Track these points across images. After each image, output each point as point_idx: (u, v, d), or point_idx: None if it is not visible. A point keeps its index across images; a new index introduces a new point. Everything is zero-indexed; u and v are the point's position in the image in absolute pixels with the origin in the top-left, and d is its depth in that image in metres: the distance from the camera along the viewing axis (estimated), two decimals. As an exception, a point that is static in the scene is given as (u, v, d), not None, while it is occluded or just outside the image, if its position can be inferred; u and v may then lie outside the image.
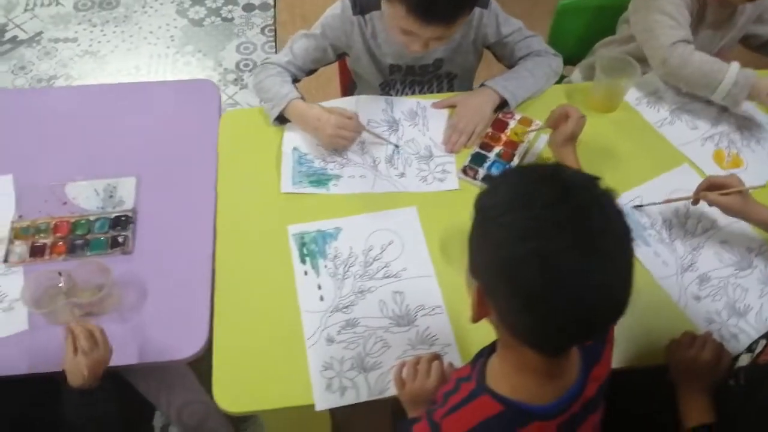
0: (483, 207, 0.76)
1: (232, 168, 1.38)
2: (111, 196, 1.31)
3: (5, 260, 1.21)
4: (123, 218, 1.27)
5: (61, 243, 1.24)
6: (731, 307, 1.20)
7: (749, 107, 1.51)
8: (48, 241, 1.24)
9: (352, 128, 1.35)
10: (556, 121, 1.30)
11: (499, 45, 1.53)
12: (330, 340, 1.15)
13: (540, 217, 0.68)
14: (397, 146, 1.42)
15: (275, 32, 2.77)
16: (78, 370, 1.01)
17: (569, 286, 0.67)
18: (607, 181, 1.32)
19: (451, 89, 1.64)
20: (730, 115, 1.50)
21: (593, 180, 0.73)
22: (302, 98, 1.40)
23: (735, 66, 1.38)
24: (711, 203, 1.21)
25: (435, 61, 1.54)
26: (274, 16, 2.83)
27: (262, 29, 2.78)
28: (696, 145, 1.46)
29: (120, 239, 1.25)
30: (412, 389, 1.02)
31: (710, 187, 1.21)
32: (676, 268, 1.26)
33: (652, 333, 1.17)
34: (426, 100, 1.52)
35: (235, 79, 2.59)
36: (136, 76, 2.59)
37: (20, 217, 1.27)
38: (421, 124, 1.48)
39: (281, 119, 1.41)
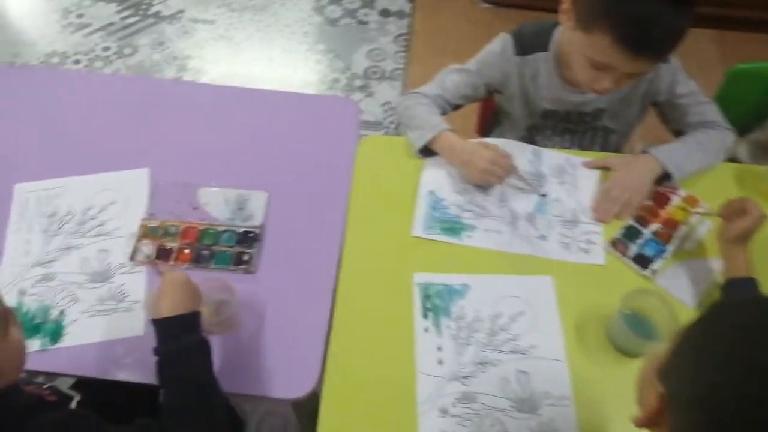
0: (720, 330, 0.62)
1: (364, 198, 1.32)
2: (241, 209, 1.28)
3: (131, 258, 1.20)
4: (251, 234, 1.24)
5: (187, 250, 1.21)
6: None
7: None
8: (174, 245, 1.22)
9: (505, 166, 1.27)
10: (730, 214, 1.16)
11: (669, 105, 1.39)
12: (443, 412, 1.06)
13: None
14: (544, 195, 1.32)
15: (408, 43, 2.71)
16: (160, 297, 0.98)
17: None
18: None
19: (605, 145, 1.52)
20: None
21: None
22: (453, 131, 1.33)
23: None
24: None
25: (595, 111, 1.42)
26: (409, 26, 2.76)
27: (396, 37, 2.72)
28: None
29: (245, 257, 1.21)
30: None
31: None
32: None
33: None
34: (577, 158, 1.40)
35: (362, 86, 2.54)
36: (268, 67, 2.60)
37: (151, 215, 1.26)
38: (569, 183, 1.36)
39: (425, 151, 1.34)
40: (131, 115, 1.44)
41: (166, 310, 0.97)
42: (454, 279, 1.21)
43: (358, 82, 2.56)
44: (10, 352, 0.79)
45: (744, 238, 1.13)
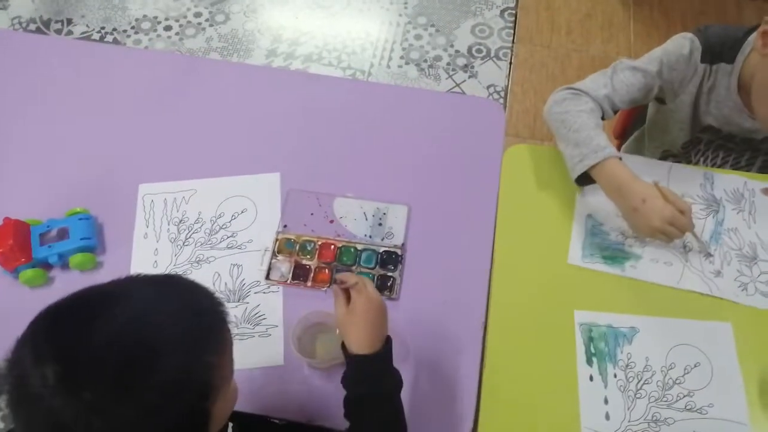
0: None
1: (514, 218, 1.19)
2: (380, 224, 1.17)
3: (267, 276, 1.11)
4: (393, 255, 1.13)
5: (326, 270, 1.11)
6: None
7: None
8: (312, 263, 1.12)
9: (682, 226, 1.07)
10: None
11: None
12: (612, 473, 0.96)
13: None
14: (709, 254, 1.15)
15: (515, 18, 2.51)
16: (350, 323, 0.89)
17: None
18: None
19: (764, 165, 1.33)
20: None
21: None
22: (620, 157, 1.13)
23: None
24: None
25: (765, 138, 1.24)
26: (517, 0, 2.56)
27: (502, 12, 2.52)
28: None
29: (388, 282, 1.10)
30: None
31: None
32: None
33: None
34: (755, 182, 1.23)
35: (465, 66, 2.37)
36: (366, 41, 2.45)
37: (285, 227, 1.16)
38: (747, 211, 1.20)
39: (582, 178, 1.14)
40: (256, 111, 1.33)
41: (360, 343, 0.86)
42: (620, 320, 1.08)
43: (461, 61, 2.39)
44: (230, 401, 0.73)
45: None
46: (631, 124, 1.56)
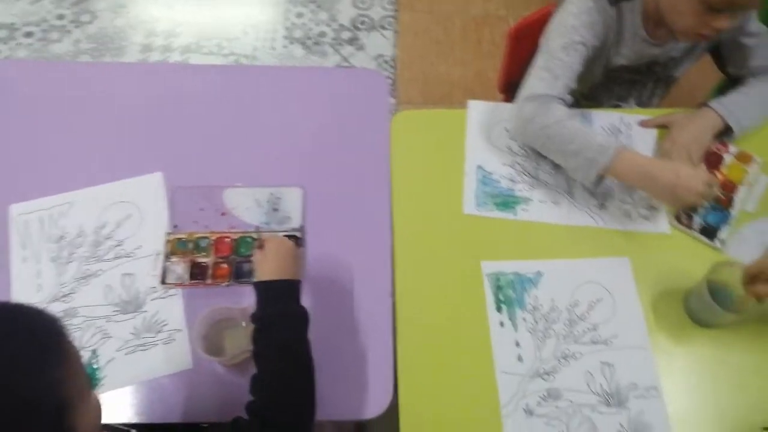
0: None
1: (407, 182, 1.19)
2: (275, 209, 1.14)
3: (163, 281, 1.06)
4: (293, 239, 1.10)
5: (224, 265, 1.08)
6: None
7: None
8: (209, 260, 1.08)
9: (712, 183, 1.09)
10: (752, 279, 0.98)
11: (734, 44, 1.26)
12: (529, 412, 0.99)
13: None
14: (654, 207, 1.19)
15: (395, -15, 2.50)
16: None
17: None
18: None
19: (664, 95, 1.41)
20: None
21: None
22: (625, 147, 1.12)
23: None
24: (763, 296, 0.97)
25: (666, 61, 1.31)
26: (394, -33, 2.54)
27: (380, -19, 2.51)
28: None
29: (290, 266, 1.08)
30: None
31: (749, 278, 0.98)
32: None
33: None
34: (631, 116, 1.29)
35: (351, 39, 2.35)
36: (246, 24, 2.37)
37: (175, 227, 1.11)
38: (625, 143, 1.26)
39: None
40: (130, 110, 1.25)
41: (269, 273, 0.91)
42: (526, 267, 1.12)
43: (346, 35, 2.36)
44: (92, 413, 0.69)
45: None
46: (518, 77, 1.59)
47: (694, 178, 1.07)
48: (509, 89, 1.62)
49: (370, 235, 1.13)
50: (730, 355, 1.04)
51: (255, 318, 0.89)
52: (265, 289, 0.91)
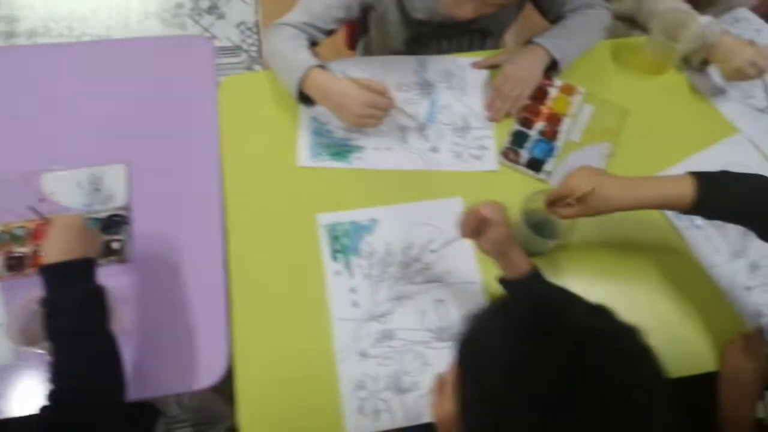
0: (464, 360, 0.60)
1: (238, 146, 1.17)
2: (97, 190, 1.10)
3: (-23, 276, 1.01)
4: (116, 218, 1.07)
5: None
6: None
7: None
8: (26, 250, 1.03)
9: (383, 106, 1.13)
10: (473, 231, 0.95)
11: None
12: (363, 354, 1.01)
13: (539, 389, 0.52)
14: (423, 124, 1.23)
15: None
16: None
17: None
18: (656, 150, 1.23)
19: (482, 48, 1.42)
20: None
21: (606, 318, 0.57)
22: (323, 66, 1.16)
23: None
24: (563, 218, 0.99)
25: (478, 17, 1.31)
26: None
27: (237, -55, 2.42)
28: (752, 118, 1.32)
29: (114, 245, 1.05)
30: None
31: (551, 203, 0.99)
32: (726, 254, 1.16)
33: (696, 333, 1.08)
34: (465, 59, 1.32)
35: (210, 8, 2.27)
36: (97, 3, 2.24)
37: (-12, 219, 1.06)
38: (457, 87, 1.28)
39: (305, 98, 1.17)
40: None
41: (53, 256, 0.86)
42: (361, 215, 1.13)
43: (204, 4, 2.28)
44: None
45: (505, 240, 0.94)
46: (359, 34, 1.59)
47: (354, 100, 1.10)
48: (355, 47, 1.63)
49: (201, 204, 1.11)
50: (560, 279, 1.08)
51: (43, 303, 0.85)
52: (50, 273, 0.86)
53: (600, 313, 0.58)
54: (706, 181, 0.92)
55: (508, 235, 0.93)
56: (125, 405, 0.84)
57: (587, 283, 1.10)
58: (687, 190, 0.91)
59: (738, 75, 1.25)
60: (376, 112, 1.12)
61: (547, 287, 0.94)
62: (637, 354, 0.55)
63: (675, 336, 1.08)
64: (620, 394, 0.51)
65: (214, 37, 2.20)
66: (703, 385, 1.03)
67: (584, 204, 0.95)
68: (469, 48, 1.41)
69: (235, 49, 2.19)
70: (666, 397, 0.54)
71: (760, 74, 1.23)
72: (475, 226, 0.94)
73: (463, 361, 0.60)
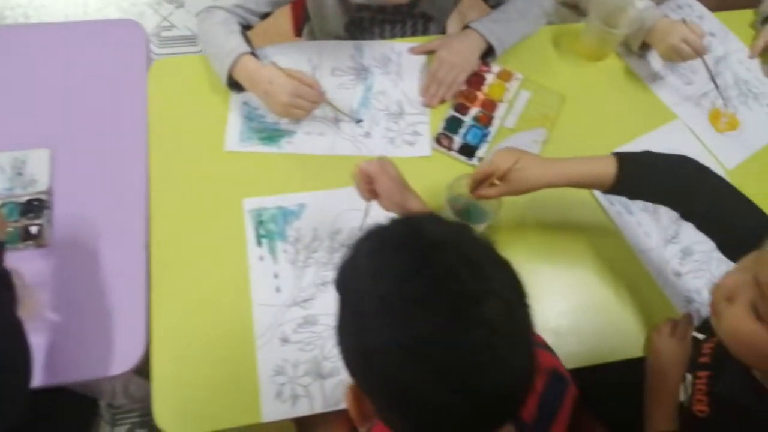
0: (339, 285, 0.61)
1: (166, 130, 1.16)
2: (20, 174, 1.08)
3: None
4: (36, 202, 1.06)
5: (-40, 238, 1.02)
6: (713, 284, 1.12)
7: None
8: (-57, 235, 1.02)
9: (310, 98, 1.12)
10: (370, 192, 0.96)
11: None
12: (284, 340, 1.00)
13: (395, 294, 0.53)
14: (360, 121, 1.21)
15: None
16: None
17: (443, 377, 0.51)
18: (594, 136, 1.23)
19: (425, 33, 1.41)
20: (727, 68, 1.37)
21: (461, 231, 0.58)
22: (254, 53, 1.14)
23: None
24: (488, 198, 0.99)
25: (415, 1, 1.31)
26: None
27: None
28: (690, 105, 1.32)
29: (33, 229, 1.04)
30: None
31: (476, 184, 0.99)
32: (658, 240, 1.16)
33: (627, 318, 1.08)
34: (402, 44, 1.31)
35: (171, -4, 2.26)
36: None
37: None
38: (394, 73, 1.27)
39: (236, 85, 1.16)
40: None
41: None
42: (288, 200, 1.12)
43: (165, -8, 2.27)
44: None
45: (395, 198, 0.94)
46: (306, 20, 1.58)
47: (280, 89, 1.09)
48: (300, 33, 1.62)
49: (125, 189, 1.09)
50: None
51: None
52: None
53: (459, 228, 0.59)
54: (627, 160, 0.94)
55: (395, 187, 0.93)
56: (52, 395, 0.83)
57: (520, 266, 1.10)
58: (609, 169, 0.93)
59: (673, 54, 1.25)
60: (302, 103, 1.11)
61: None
62: (489, 263, 0.56)
63: (607, 319, 1.08)
64: (470, 298, 0.52)
65: (173, 26, 2.19)
66: (636, 367, 1.03)
67: (507, 182, 0.95)
68: (413, 33, 1.40)
69: (193, 39, 2.18)
70: (520, 306, 0.56)
71: (695, 52, 1.23)
72: (369, 189, 0.94)
73: (339, 288, 0.61)
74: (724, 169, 1.25)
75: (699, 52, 1.23)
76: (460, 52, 1.24)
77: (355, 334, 0.57)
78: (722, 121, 1.29)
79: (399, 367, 0.52)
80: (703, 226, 0.94)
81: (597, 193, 1.17)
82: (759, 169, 1.26)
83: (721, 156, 1.26)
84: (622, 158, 0.94)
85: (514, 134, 1.24)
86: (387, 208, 0.95)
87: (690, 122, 1.29)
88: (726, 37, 1.42)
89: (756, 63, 1.39)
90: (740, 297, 0.74)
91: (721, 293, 0.77)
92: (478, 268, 0.54)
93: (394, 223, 0.60)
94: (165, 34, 2.14)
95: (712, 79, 1.29)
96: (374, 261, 0.56)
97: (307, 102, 1.12)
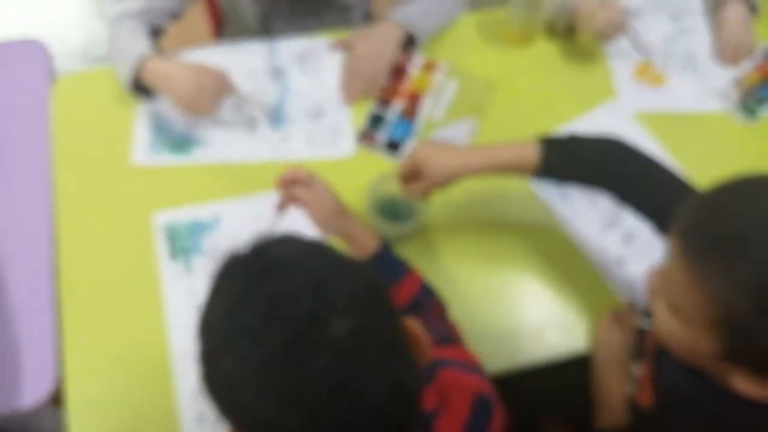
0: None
1: (72, 146, 1.10)
2: None
3: None
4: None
5: None
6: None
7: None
8: None
9: (216, 88, 1.06)
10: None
11: None
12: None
13: (226, 323, 0.51)
14: (275, 122, 1.16)
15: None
16: None
17: (289, 408, 0.47)
18: (526, 123, 1.18)
19: (346, 24, 1.36)
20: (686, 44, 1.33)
21: (310, 249, 0.55)
22: (158, 55, 1.08)
23: None
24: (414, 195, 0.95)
25: None
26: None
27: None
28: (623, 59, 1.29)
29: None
30: None
31: (405, 181, 0.95)
32: (598, 226, 1.11)
33: (573, 309, 1.03)
34: (320, 40, 1.25)
35: None
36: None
37: None
38: (311, 70, 1.22)
39: (141, 90, 1.10)
40: None
41: None
42: (202, 212, 1.05)
43: None
44: None
45: (332, 225, 0.90)
46: (221, 19, 1.52)
47: (184, 82, 1.04)
48: (221, 33, 1.56)
49: (27, 209, 1.05)
50: (431, 262, 1.04)
51: None
52: None
53: (310, 246, 0.55)
54: (550, 143, 0.90)
55: (330, 214, 0.88)
56: None
57: (459, 264, 1.05)
58: (531, 154, 0.89)
59: (601, 37, 1.22)
60: (206, 95, 1.06)
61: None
62: (335, 281, 0.51)
63: (550, 313, 1.03)
64: (311, 321, 0.48)
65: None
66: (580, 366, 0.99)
67: (425, 175, 0.90)
68: (333, 23, 1.34)
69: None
70: (376, 324, 0.51)
71: (619, 31, 1.21)
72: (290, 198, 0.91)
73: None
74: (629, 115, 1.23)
75: (623, 31, 1.20)
76: (376, 45, 1.19)
77: (200, 363, 0.53)
78: (650, 73, 1.26)
79: (244, 398, 0.48)
80: (637, 210, 0.91)
81: (535, 184, 1.13)
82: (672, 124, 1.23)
83: (629, 98, 1.25)
84: (546, 142, 0.90)
85: (442, 126, 1.19)
86: (328, 233, 0.90)
87: (627, 101, 1.26)
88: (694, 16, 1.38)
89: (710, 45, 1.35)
90: (661, 292, 0.70)
91: (647, 287, 0.73)
92: (321, 288, 0.50)
93: (246, 244, 0.56)
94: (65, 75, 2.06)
95: (640, 50, 1.27)
96: (215, 287, 0.54)
97: (212, 94, 1.06)
